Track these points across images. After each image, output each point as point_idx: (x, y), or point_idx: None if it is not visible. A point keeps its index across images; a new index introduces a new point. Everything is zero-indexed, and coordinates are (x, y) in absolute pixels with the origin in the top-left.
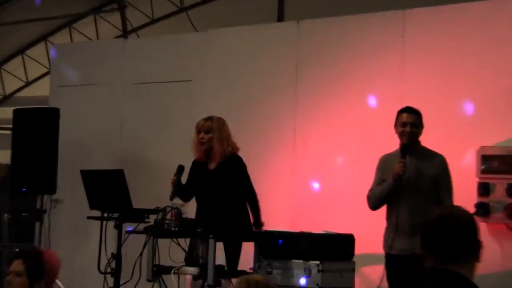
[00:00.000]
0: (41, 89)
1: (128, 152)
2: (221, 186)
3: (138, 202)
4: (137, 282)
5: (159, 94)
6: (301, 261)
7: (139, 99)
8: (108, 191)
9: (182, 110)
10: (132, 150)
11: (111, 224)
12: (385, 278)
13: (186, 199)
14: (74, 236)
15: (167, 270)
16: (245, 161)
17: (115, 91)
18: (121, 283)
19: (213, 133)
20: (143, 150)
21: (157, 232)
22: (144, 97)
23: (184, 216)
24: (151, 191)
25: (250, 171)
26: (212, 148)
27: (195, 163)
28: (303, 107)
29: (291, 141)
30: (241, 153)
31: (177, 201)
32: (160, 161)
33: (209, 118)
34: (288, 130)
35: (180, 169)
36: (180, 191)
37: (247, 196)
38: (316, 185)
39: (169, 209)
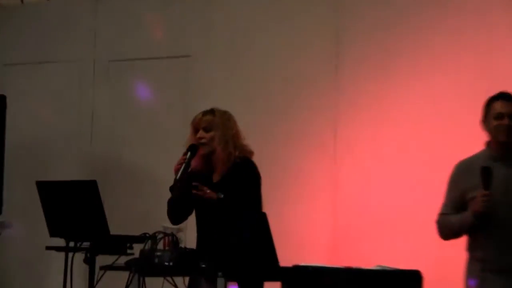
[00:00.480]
0: None
1: (102, 156)
2: (228, 202)
3: (117, 226)
4: None
5: (145, 76)
6: None
7: (117, 83)
8: (75, 211)
9: (176, 97)
10: (107, 153)
11: (79, 257)
12: None
13: (179, 217)
14: (28, 273)
15: None
16: (266, 171)
17: (84, 72)
18: None
19: (215, 131)
20: (123, 153)
21: (144, 268)
22: (123, 80)
23: (181, 245)
24: (135, 211)
25: (273, 184)
26: (214, 152)
27: (194, 174)
28: (347, 94)
29: (330, 143)
30: (259, 162)
31: (174, 226)
32: (147, 168)
33: (210, 111)
34: (325, 128)
35: (192, 149)
36: (185, 183)
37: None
38: (364, 203)
39: (160, 235)
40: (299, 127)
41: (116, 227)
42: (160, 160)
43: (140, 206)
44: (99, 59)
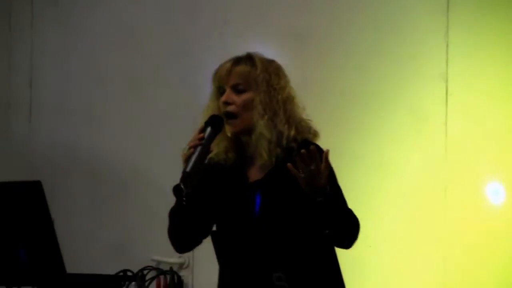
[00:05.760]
0: None
1: (51, 143)
2: (281, 218)
3: (78, 259)
4: None
5: None
6: None
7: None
8: (8, 234)
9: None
10: (64, 138)
11: None
12: None
13: (188, 240)
14: None
15: None
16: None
17: None
18: None
19: (254, 92)
20: (80, 135)
21: None
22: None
23: None
24: (111, 233)
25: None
26: (249, 129)
27: (212, 167)
28: (458, 71)
29: (439, 138)
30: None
31: (173, 258)
32: (126, 161)
33: (246, 59)
34: (433, 118)
35: (214, 122)
36: (200, 179)
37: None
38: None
39: (150, 273)
40: (389, 112)
41: (77, 262)
42: (151, 150)
43: (116, 226)
44: None
